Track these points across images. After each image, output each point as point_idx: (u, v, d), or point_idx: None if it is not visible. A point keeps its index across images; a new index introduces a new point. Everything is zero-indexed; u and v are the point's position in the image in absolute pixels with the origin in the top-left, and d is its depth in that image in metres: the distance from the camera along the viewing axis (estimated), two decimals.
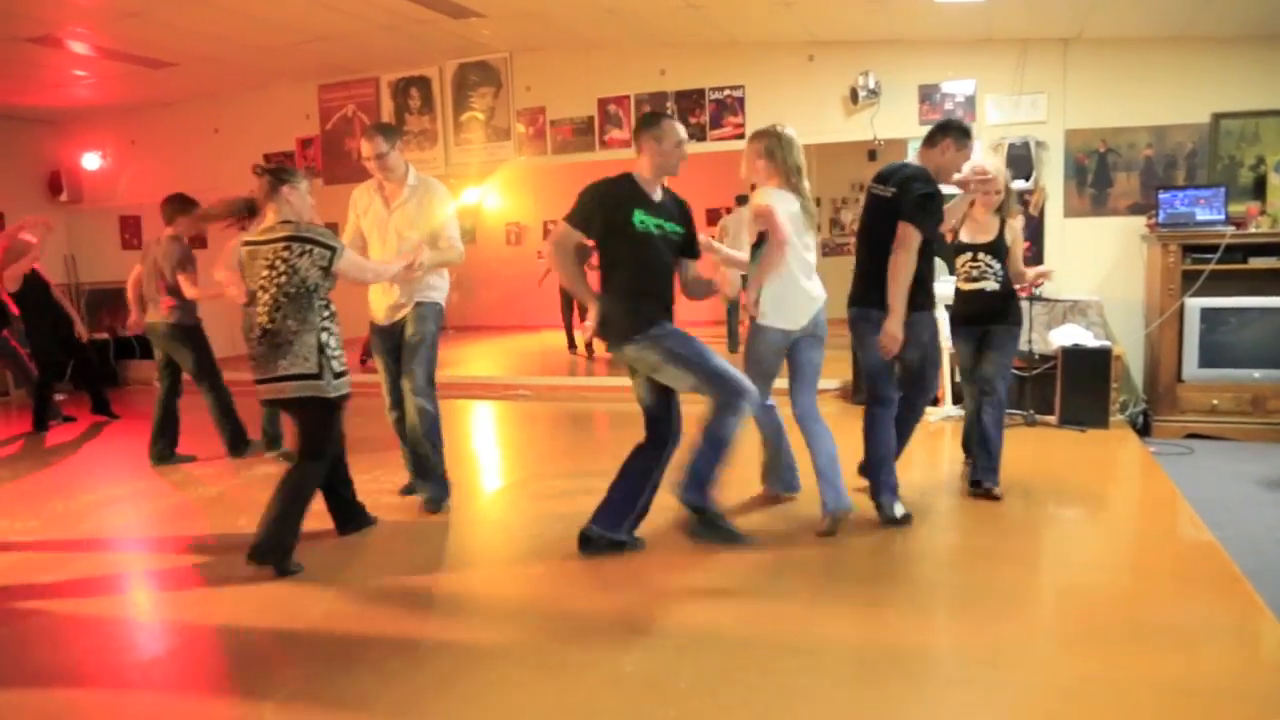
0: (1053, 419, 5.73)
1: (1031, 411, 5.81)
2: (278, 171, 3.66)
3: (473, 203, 13.15)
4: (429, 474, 4.42)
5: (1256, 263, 5.50)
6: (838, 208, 12.52)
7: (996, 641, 2.88)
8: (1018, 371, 5.90)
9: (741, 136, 7.05)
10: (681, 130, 3.60)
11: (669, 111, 7.35)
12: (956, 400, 6.10)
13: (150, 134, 9.40)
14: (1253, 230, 5.52)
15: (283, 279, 3.52)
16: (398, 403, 4.43)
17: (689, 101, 7.31)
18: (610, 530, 3.67)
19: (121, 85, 8.19)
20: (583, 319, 10.52)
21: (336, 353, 3.67)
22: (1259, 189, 5.86)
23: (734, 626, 3.02)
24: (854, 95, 6.72)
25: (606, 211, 3.52)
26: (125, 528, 4.52)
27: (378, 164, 4.19)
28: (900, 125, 6.81)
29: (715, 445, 3.54)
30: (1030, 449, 5.22)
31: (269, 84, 8.54)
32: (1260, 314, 5.46)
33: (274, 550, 3.56)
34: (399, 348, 4.36)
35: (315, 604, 3.32)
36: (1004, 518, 4.07)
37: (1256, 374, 5.46)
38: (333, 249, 3.58)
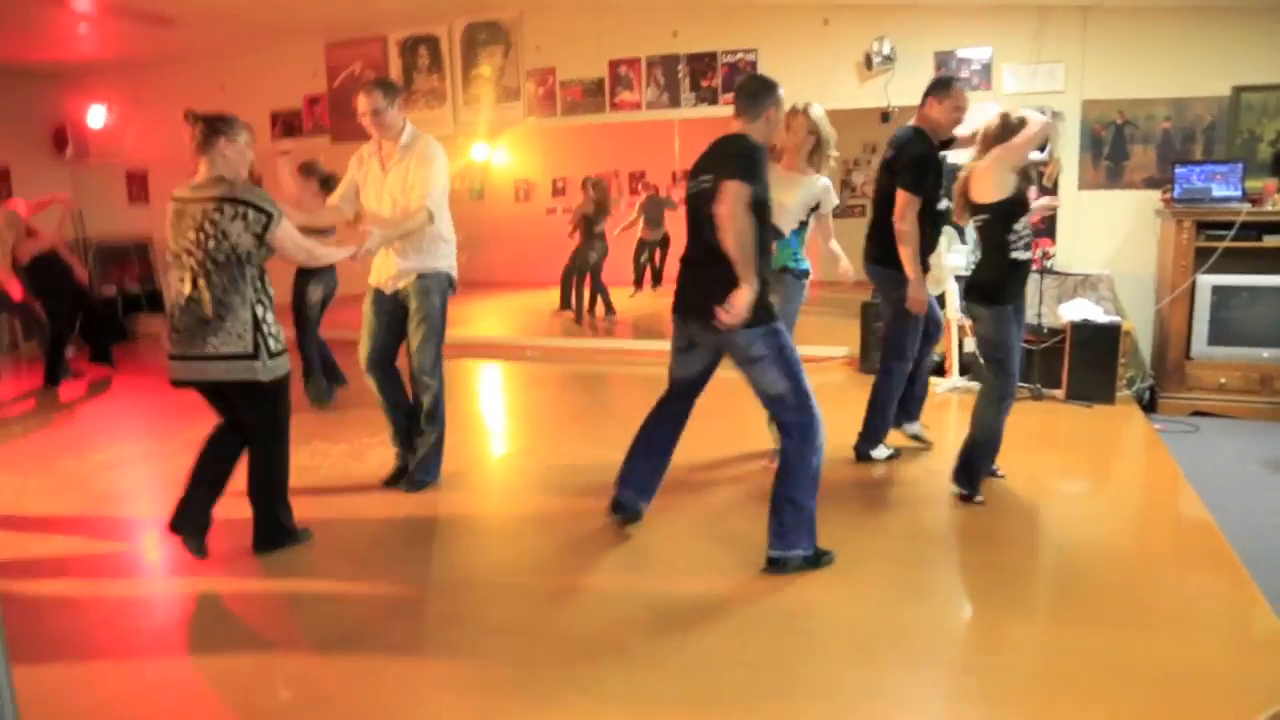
0: (1059, 394, 5.73)
1: (1039, 386, 5.80)
2: (213, 120, 3.26)
3: (481, 159, 13.05)
4: (423, 452, 4.24)
5: (1271, 241, 5.43)
6: (849, 169, 12.37)
7: (993, 624, 2.94)
8: (1027, 345, 5.89)
9: None
10: None
11: (681, 74, 7.28)
12: (963, 371, 6.10)
13: (155, 90, 9.30)
14: (1269, 208, 5.45)
15: (211, 244, 3.17)
16: (377, 364, 4.21)
17: (701, 64, 7.21)
18: (643, 495, 3.66)
19: (126, 41, 8.09)
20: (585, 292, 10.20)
21: (274, 329, 3.34)
22: (1277, 165, 5.78)
23: (736, 606, 3.06)
24: (868, 61, 6.62)
25: (764, 174, 3.25)
26: (137, 490, 4.57)
27: (373, 120, 3.97)
28: (915, 92, 6.49)
29: (809, 484, 3.26)
30: (1036, 423, 5.23)
31: (275, 42, 8.43)
32: (1273, 293, 5.42)
33: (274, 536, 3.52)
34: (394, 313, 4.16)
35: (324, 575, 3.38)
36: (1006, 496, 4.08)
37: (1265, 353, 5.43)
38: (269, 215, 3.23)
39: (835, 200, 4.26)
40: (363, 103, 3.98)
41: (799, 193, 4.15)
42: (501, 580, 3.37)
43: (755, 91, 3.37)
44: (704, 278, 3.25)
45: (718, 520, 3.84)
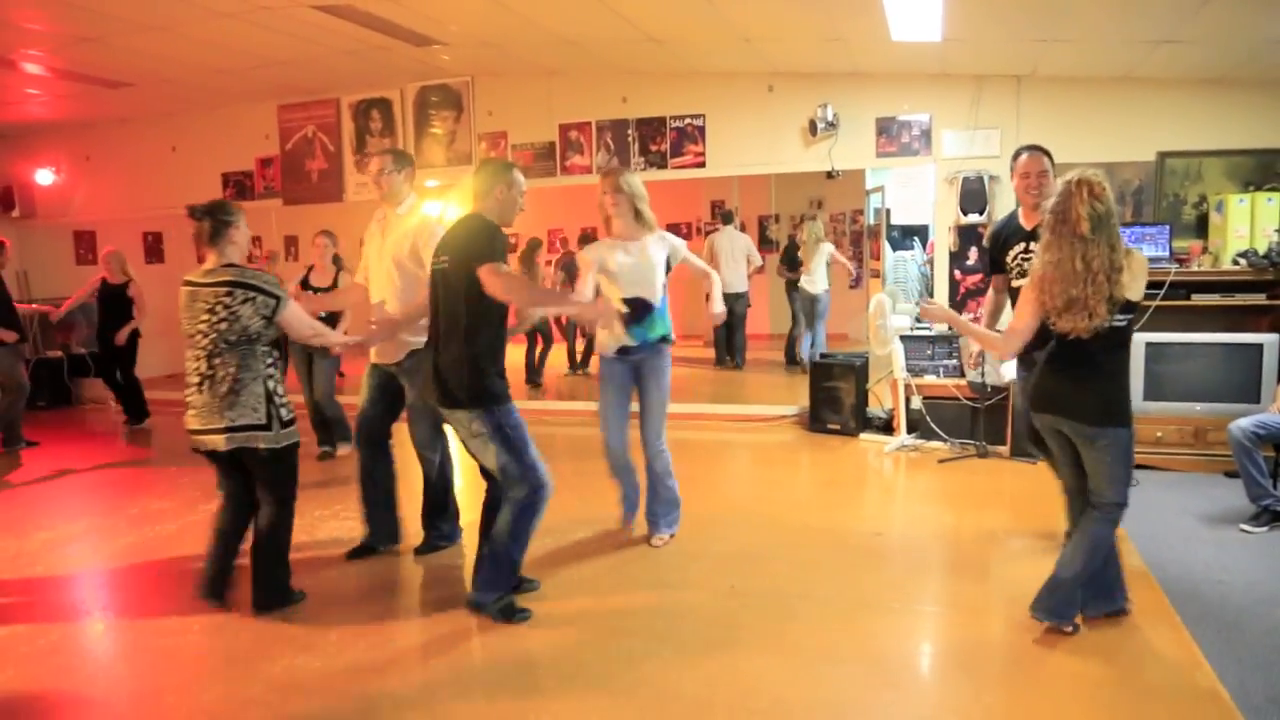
0: (1004, 450, 5.87)
1: (984, 443, 5.94)
2: (217, 212, 3.55)
3: (434, 216, 13.11)
4: (442, 513, 4.44)
5: (1198, 299, 5.68)
6: (796, 225, 12.59)
7: (939, 700, 2.97)
8: (970, 402, 6.05)
9: (703, 165, 7.14)
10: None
11: (630, 138, 7.42)
12: (911, 429, 6.23)
13: (106, 150, 9.26)
14: (1195, 269, 5.70)
15: (223, 325, 3.43)
16: (368, 441, 4.31)
17: (650, 129, 7.37)
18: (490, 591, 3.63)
19: (76, 102, 8.07)
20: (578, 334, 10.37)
21: (284, 401, 3.59)
22: (1201, 227, 6.06)
23: (695, 686, 3.05)
24: (812, 127, 6.82)
25: (504, 251, 3.38)
26: (81, 570, 4.44)
27: (377, 177, 4.24)
28: (857, 157, 6.93)
29: (522, 547, 3.51)
30: (981, 481, 5.35)
31: (228, 104, 8.46)
32: (1201, 349, 5.63)
33: (275, 597, 3.69)
34: (385, 385, 4.28)
35: (280, 656, 3.31)
36: (957, 555, 4.18)
37: (1198, 407, 5.62)
38: (277, 299, 3.51)
39: (683, 243, 4.37)
40: (374, 162, 4.28)
41: (655, 250, 4.20)
42: (457, 658, 3.33)
43: (494, 171, 3.52)
44: (441, 360, 3.45)
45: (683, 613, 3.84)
